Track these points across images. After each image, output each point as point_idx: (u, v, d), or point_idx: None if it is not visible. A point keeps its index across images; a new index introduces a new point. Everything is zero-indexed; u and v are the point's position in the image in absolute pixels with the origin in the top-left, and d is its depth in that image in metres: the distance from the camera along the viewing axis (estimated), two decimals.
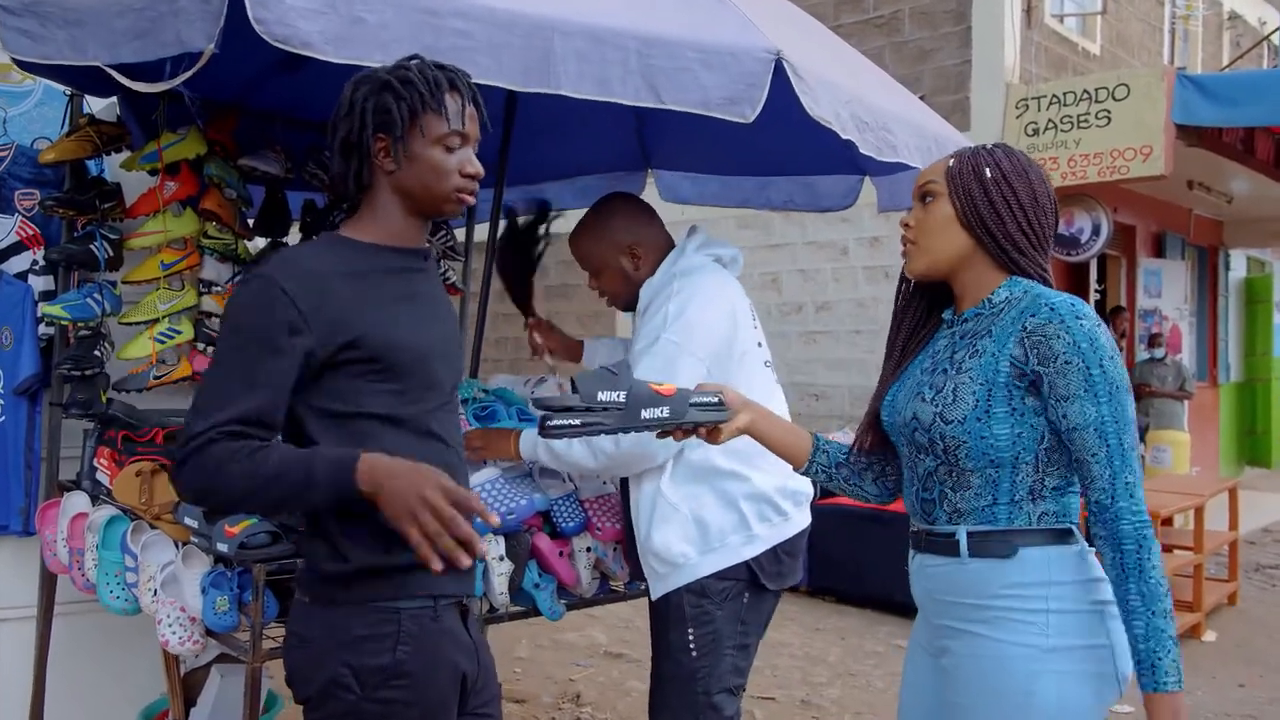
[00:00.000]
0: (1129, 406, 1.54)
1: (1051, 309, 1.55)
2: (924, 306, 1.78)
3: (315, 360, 1.55)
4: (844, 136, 2.15)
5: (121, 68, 2.02)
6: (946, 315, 1.75)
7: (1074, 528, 1.61)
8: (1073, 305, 1.55)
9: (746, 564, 2.25)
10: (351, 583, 1.58)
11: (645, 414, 1.63)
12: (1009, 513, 1.59)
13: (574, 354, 2.81)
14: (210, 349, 2.94)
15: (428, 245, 1.82)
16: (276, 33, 1.72)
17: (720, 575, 2.24)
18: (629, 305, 2.50)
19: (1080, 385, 1.52)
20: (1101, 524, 1.53)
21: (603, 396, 1.61)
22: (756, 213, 8.31)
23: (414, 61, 1.67)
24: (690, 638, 2.22)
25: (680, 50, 1.96)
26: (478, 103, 1.69)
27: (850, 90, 2.23)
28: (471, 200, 1.70)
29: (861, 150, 2.28)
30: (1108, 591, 1.59)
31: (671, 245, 2.50)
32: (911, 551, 1.75)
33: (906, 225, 1.72)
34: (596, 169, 4.01)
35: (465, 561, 1.51)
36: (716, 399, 1.71)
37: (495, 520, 1.55)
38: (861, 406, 8.11)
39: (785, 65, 1.97)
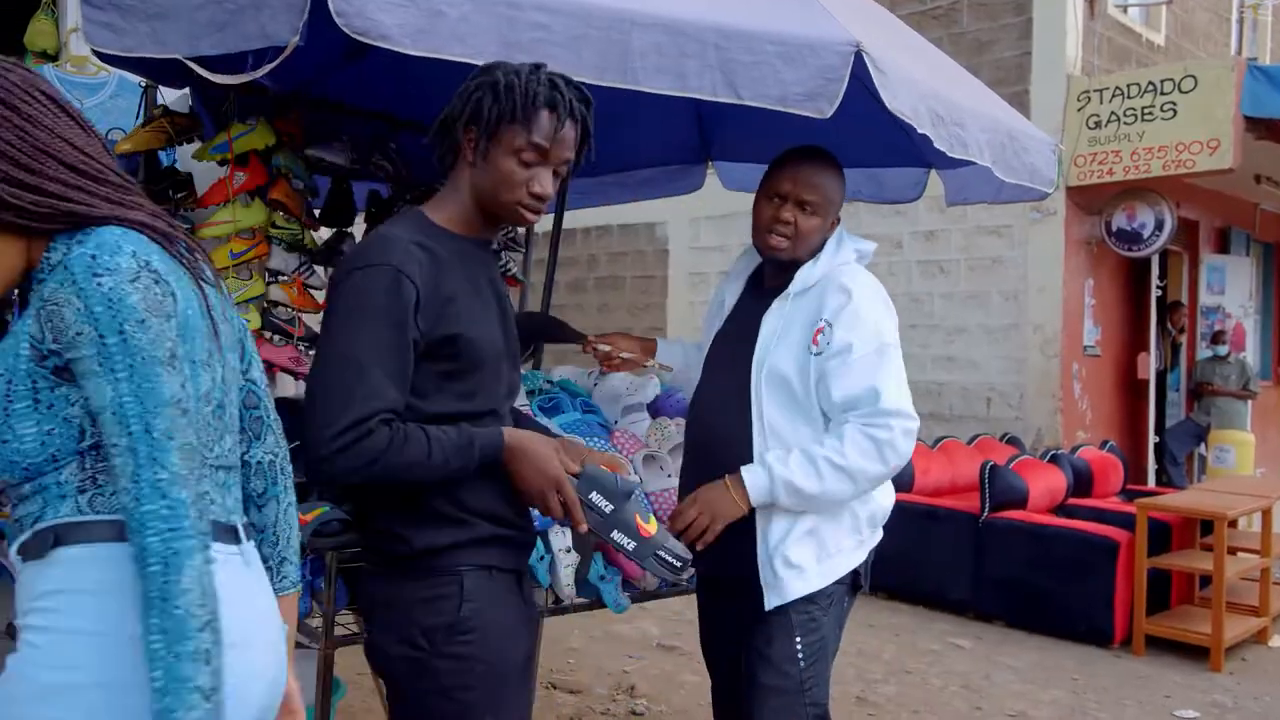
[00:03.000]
0: (164, 384, 1.19)
1: (66, 269, 1.19)
2: None
3: (417, 350, 1.63)
4: (920, 131, 2.12)
5: (200, 60, 2.05)
6: None
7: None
8: (93, 260, 1.18)
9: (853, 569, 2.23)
10: (415, 557, 1.69)
11: (615, 535, 1.73)
12: (55, 507, 1.23)
13: (649, 350, 2.72)
14: (277, 338, 2.98)
15: (494, 237, 1.86)
16: (356, 25, 1.74)
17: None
18: (787, 263, 2.29)
19: (94, 360, 1.17)
20: (130, 534, 1.17)
21: (593, 498, 1.71)
22: None
23: (529, 68, 1.70)
24: (799, 646, 2.16)
25: (759, 43, 1.95)
26: (585, 127, 1.72)
27: (927, 84, 2.20)
28: (532, 218, 1.74)
29: (936, 145, 2.26)
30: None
31: None
32: None
33: None
34: (656, 161, 4.00)
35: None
36: (679, 562, 1.76)
37: (584, 528, 1.69)
38: (915, 400, 8.06)
39: (865, 58, 1.95)
